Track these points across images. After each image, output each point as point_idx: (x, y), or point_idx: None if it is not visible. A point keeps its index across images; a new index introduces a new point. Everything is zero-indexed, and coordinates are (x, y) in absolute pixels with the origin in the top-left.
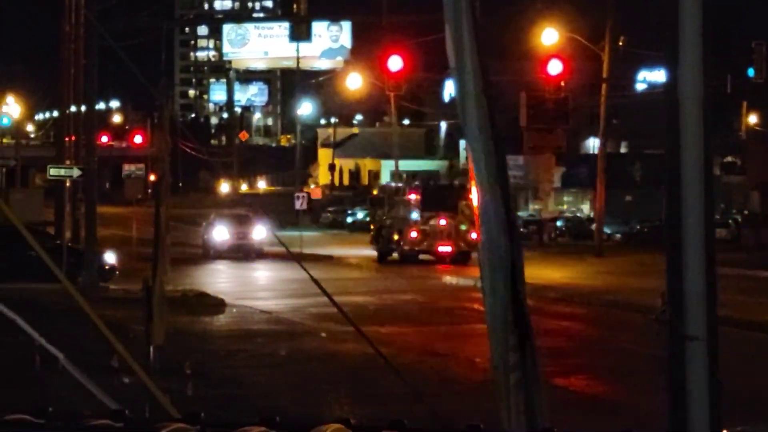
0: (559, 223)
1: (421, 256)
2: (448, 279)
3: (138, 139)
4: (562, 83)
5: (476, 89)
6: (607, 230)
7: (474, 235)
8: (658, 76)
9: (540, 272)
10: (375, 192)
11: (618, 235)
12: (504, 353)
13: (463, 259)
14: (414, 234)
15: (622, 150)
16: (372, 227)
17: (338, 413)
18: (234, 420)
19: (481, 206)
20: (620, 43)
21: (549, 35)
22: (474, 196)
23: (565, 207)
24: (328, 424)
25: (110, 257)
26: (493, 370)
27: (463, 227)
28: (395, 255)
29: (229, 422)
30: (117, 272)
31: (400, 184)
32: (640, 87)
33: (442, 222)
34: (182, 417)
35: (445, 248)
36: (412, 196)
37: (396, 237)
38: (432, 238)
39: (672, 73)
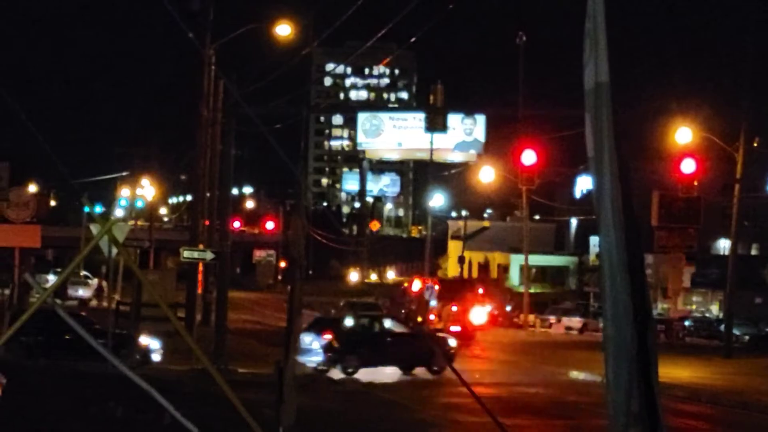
0: (687, 323)
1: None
2: (575, 374)
3: (270, 225)
4: (695, 182)
5: (613, 179)
6: (735, 332)
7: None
8: None
9: (667, 371)
10: (406, 284)
11: (746, 337)
12: None
13: (469, 337)
14: (432, 317)
15: (753, 252)
16: (402, 311)
17: None
18: None
19: (610, 297)
20: (755, 144)
21: (683, 134)
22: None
23: (694, 307)
24: None
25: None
26: None
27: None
28: None
29: None
30: None
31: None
32: None
33: (454, 308)
34: None
35: (455, 328)
36: (435, 287)
37: (420, 319)
38: (446, 320)
39: None
